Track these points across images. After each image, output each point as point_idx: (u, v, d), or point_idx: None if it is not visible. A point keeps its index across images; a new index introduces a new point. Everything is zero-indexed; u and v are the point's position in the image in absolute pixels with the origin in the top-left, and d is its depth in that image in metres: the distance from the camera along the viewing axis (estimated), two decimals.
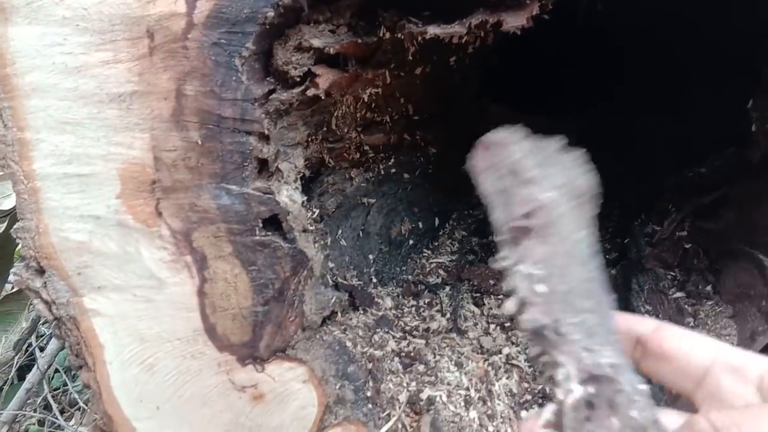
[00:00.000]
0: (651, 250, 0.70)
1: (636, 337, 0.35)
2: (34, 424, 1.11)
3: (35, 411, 1.10)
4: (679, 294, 0.63)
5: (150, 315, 0.59)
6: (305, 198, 0.62)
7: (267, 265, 0.56)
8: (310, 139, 0.64)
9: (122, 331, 0.60)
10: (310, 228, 0.60)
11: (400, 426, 0.63)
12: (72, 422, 1.06)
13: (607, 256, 0.81)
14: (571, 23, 1.05)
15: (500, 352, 0.71)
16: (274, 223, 0.57)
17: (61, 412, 1.10)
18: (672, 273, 0.67)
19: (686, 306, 0.62)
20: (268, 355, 0.60)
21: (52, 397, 1.09)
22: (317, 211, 0.65)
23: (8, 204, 1.20)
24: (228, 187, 0.54)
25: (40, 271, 0.59)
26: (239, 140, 0.52)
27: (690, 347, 0.34)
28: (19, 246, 0.61)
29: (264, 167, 0.55)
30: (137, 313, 0.59)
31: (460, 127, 1.00)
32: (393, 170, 0.83)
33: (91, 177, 0.56)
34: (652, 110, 1.04)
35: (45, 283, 0.59)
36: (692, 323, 0.60)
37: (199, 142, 0.53)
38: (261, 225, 0.55)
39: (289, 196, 0.57)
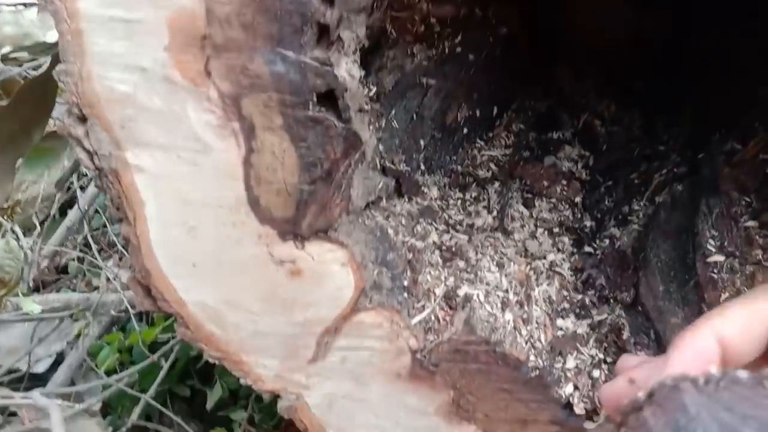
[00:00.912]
0: (729, 170, 0.64)
1: None
2: (73, 259, 1.16)
3: (75, 249, 1.15)
4: (752, 223, 0.59)
5: (194, 179, 0.57)
6: (363, 73, 0.57)
7: (318, 143, 0.53)
8: (375, 5, 0.57)
9: (165, 191, 0.58)
10: (366, 108, 0.55)
11: (433, 318, 0.63)
12: (110, 263, 1.11)
13: (675, 170, 0.75)
14: None
15: (545, 258, 0.68)
16: (329, 99, 0.52)
17: (100, 252, 1.14)
18: (747, 199, 0.62)
19: (758, 237, 0.57)
20: (309, 234, 0.59)
21: (92, 237, 1.13)
22: (374, 89, 0.60)
23: (52, 36, 1.16)
24: (284, 53, 0.49)
25: (83, 119, 0.57)
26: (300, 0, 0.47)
27: None
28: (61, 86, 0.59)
29: (324, 34, 0.50)
30: (181, 175, 0.57)
31: (537, 9, 0.91)
32: (458, 49, 0.76)
33: (138, 24, 0.52)
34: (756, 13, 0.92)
35: (87, 131, 0.57)
36: (760, 256, 0.56)
37: None
38: (315, 100, 0.51)
39: (348, 69, 0.52)
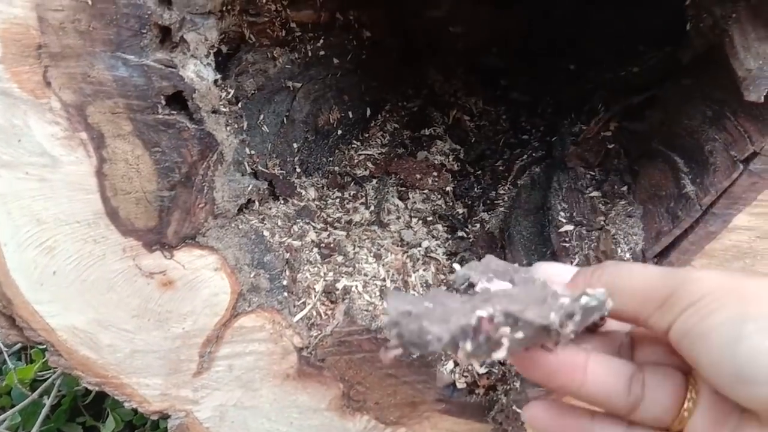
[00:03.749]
0: (574, 148, 0.70)
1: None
2: None
3: None
4: (595, 193, 0.64)
5: (45, 195, 0.55)
6: (219, 76, 0.57)
7: (172, 147, 0.52)
8: (225, 9, 0.57)
9: (16, 211, 0.55)
10: (223, 109, 0.56)
11: (315, 313, 0.64)
12: None
13: (533, 154, 0.81)
14: None
15: (420, 245, 0.71)
16: (180, 101, 0.52)
17: None
18: (591, 173, 0.68)
19: (600, 205, 0.63)
20: (176, 242, 0.58)
21: None
22: (232, 92, 0.60)
23: None
24: (125, 57, 0.48)
25: None
26: (135, 2, 0.46)
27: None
28: None
29: (167, 36, 0.50)
30: (31, 192, 0.55)
31: (400, 11, 0.94)
32: (322, 53, 0.77)
33: None
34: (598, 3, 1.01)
35: None
36: (603, 221, 0.61)
37: (90, 2, 0.46)
38: (164, 102, 0.50)
39: (196, 71, 0.52)
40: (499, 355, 0.30)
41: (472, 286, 0.37)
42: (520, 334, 0.30)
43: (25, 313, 0.60)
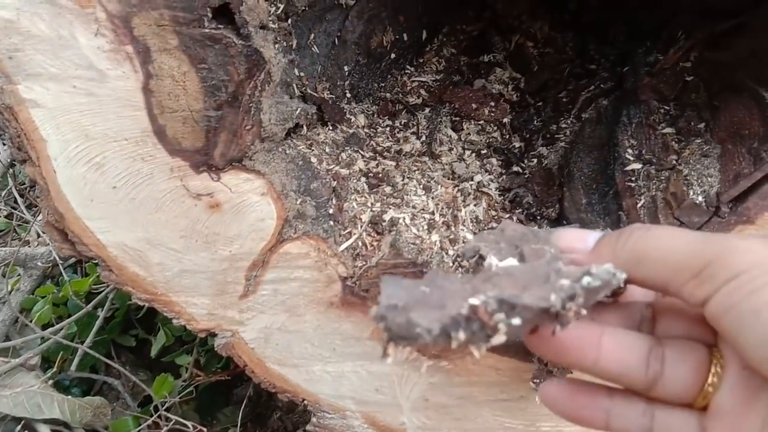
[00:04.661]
0: (649, 80, 0.64)
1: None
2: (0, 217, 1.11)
3: (3, 205, 1.10)
4: (668, 129, 0.59)
5: (93, 110, 0.54)
6: None
7: (218, 64, 0.50)
8: None
9: (65, 125, 0.55)
10: (272, 25, 0.52)
11: (360, 244, 0.62)
12: (39, 217, 1.06)
13: (601, 86, 0.75)
14: None
15: (472, 179, 0.68)
16: (227, 15, 0.49)
17: (28, 207, 1.09)
18: (666, 107, 0.62)
19: (673, 143, 0.58)
20: (223, 164, 0.57)
21: (17, 191, 1.07)
22: (282, 6, 0.57)
23: None
24: None
25: None
26: None
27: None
28: None
29: None
30: (79, 107, 0.54)
31: None
32: None
33: None
34: None
35: None
36: (675, 160, 0.57)
37: None
38: (210, 15, 0.48)
39: None
40: (498, 340, 0.29)
41: (483, 258, 0.36)
42: (517, 320, 0.28)
43: (77, 228, 0.61)
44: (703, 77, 0.62)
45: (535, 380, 0.59)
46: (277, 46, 0.52)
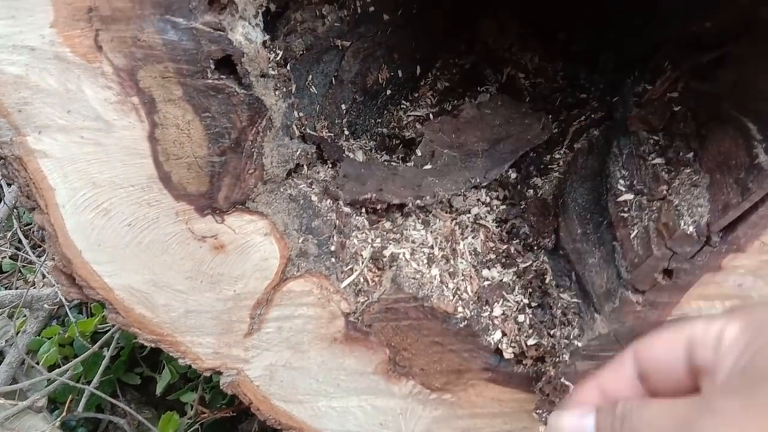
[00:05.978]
0: (637, 111, 0.66)
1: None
2: (5, 258, 1.12)
3: (8, 246, 1.11)
4: (658, 160, 0.61)
5: (100, 159, 0.56)
6: (267, 37, 0.56)
7: (221, 112, 0.52)
8: None
9: (72, 174, 0.57)
10: (272, 72, 0.54)
11: (362, 280, 0.64)
12: (44, 258, 1.07)
13: (592, 116, 0.77)
14: None
15: (469, 212, 0.69)
16: (229, 65, 0.51)
17: (33, 248, 1.10)
18: (655, 137, 0.64)
19: (663, 173, 0.59)
20: (227, 207, 0.58)
21: (22, 232, 1.09)
22: (281, 53, 0.59)
23: None
24: (173, 20, 0.48)
25: None
26: None
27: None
28: None
29: None
30: (87, 156, 0.56)
31: None
32: (371, 9, 0.75)
33: (20, 1, 0.49)
34: None
35: None
36: (666, 190, 0.58)
37: None
38: (213, 67, 0.50)
39: (244, 34, 0.51)
40: None
41: None
42: None
43: (84, 273, 0.62)
44: (691, 107, 0.64)
45: (537, 411, 0.60)
46: (277, 92, 0.54)
